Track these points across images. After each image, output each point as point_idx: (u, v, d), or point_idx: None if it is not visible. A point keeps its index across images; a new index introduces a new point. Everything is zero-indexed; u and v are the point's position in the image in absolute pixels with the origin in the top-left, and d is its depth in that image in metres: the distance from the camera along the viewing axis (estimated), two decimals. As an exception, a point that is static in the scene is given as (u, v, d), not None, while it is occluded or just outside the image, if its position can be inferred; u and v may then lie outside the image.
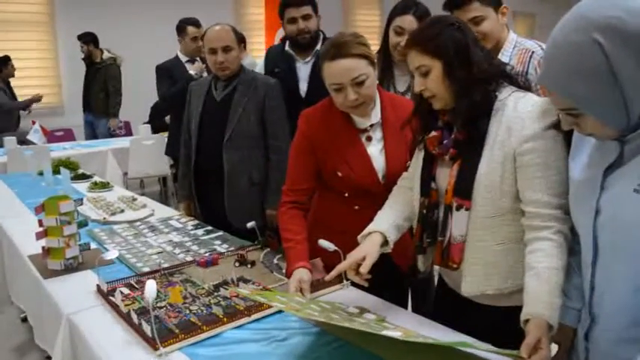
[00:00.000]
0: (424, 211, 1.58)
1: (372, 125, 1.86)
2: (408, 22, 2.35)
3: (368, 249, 1.55)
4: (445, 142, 1.52)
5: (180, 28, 4.26)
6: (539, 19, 15.91)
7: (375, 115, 1.87)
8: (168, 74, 3.92)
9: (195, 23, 4.25)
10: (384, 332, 1.25)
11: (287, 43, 2.91)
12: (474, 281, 1.50)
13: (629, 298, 1.12)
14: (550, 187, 1.34)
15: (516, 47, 2.06)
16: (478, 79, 1.43)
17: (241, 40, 2.70)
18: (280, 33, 8.83)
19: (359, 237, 1.62)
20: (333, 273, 1.57)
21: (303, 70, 2.84)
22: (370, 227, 1.62)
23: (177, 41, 4.22)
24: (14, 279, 2.56)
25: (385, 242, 1.59)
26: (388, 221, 1.63)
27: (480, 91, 1.44)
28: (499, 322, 1.46)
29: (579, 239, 1.27)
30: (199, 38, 4.23)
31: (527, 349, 1.18)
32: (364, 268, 1.50)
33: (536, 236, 1.34)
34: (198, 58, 4.13)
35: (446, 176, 1.51)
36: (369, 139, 1.87)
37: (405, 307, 1.93)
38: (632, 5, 1.03)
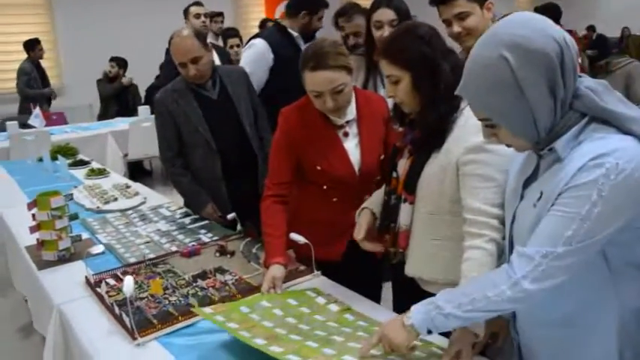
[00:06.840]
0: (385, 197, 1.73)
1: (348, 121, 1.97)
2: (384, 14, 2.51)
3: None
4: (406, 137, 1.66)
5: (185, 11, 4.78)
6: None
7: (351, 112, 1.97)
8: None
9: (198, 2, 4.80)
10: None
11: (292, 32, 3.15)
12: (414, 265, 1.66)
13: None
14: (488, 197, 1.43)
15: None
16: (444, 94, 1.50)
17: (205, 41, 2.54)
18: (281, 8, 8.80)
19: (356, 213, 1.81)
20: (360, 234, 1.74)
21: None
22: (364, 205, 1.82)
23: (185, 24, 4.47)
24: (15, 267, 2.72)
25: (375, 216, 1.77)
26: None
27: (446, 104, 1.53)
28: None
29: None
30: (202, 15, 4.64)
31: (447, 359, 1.34)
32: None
33: (471, 244, 1.43)
34: None
35: (402, 168, 1.66)
36: (346, 134, 1.98)
37: (378, 300, 2.05)
38: (539, 26, 1.12)
